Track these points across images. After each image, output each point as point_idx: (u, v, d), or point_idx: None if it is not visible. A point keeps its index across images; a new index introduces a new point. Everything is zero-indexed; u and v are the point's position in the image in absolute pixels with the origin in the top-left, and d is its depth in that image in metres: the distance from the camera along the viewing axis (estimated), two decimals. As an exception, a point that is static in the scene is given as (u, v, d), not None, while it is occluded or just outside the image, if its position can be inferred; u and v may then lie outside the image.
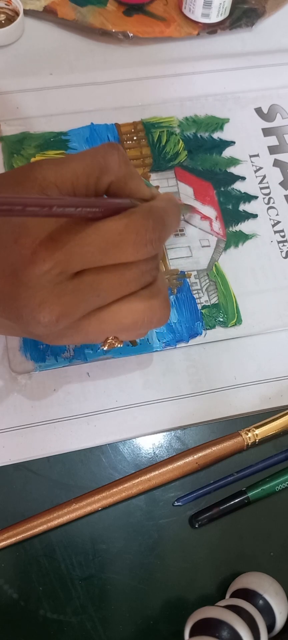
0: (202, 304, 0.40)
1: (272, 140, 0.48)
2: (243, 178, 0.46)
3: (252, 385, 0.38)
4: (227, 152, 0.47)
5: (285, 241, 0.44)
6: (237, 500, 0.35)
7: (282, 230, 0.44)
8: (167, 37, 0.53)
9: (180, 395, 0.37)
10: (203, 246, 0.43)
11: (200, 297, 0.40)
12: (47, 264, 0.26)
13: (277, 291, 0.42)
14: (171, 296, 0.40)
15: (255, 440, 0.36)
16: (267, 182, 0.46)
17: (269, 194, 0.46)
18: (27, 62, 0.50)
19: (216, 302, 0.40)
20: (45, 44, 0.52)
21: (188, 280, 0.41)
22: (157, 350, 0.38)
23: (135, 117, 0.48)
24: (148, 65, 0.51)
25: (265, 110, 0.50)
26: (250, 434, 0.36)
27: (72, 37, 0.52)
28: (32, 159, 0.44)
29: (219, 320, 0.40)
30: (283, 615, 0.30)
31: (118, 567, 0.33)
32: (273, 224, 0.44)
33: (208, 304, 0.40)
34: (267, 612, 0.30)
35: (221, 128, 0.48)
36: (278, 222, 0.44)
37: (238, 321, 0.40)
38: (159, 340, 0.39)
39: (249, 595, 0.31)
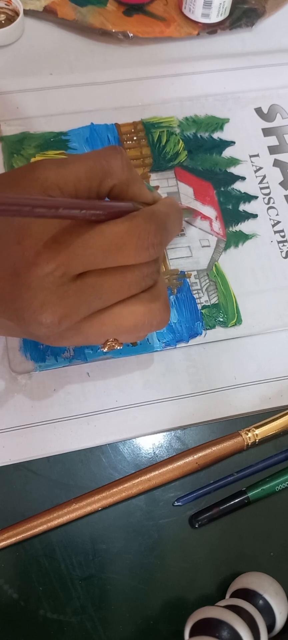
0: (202, 304, 0.40)
1: (272, 140, 0.48)
2: (243, 178, 0.46)
3: (252, 385, 0.38)
4: (227, 152, 0.47)
5: (285, 241, 0.44)
6: (237, 500, 0.35)
7: (282, 230, 0.44)
8: (167, 37, 0.53)
9: (180, 395, 0.37)
10: (203, 246, 0.43)
11: (200, 297, 0.40)
12: (49, 265, 0.26)
13: (277, 291, 0.42)
14: (171, 296, 0.40)
15: (255, 440, 0.36)
16: (267, 182, 0.46)
17: (269, 194, 0.46)
18: (27, 62, 0.50)
19: (216, 302, 0.40)
20: (45, 44, 0.52)
21: (188, 280, 0.41)
22: (157, 351, 0.38)
23: (135, 117, 0.48)
24: (148, 65, 0.51)
25: (265, 110, 0.50)
26: (250, 434, 0.36)
27: (72, 37, 0.52)
28: (32, 159, 0.44)
29: (219, 320, 0.40)
30: (283, 615, 0.30)
31: (118, 567, 0.33)
32: (273, 224, 0.44)
33: (208, 304, 0.40)
34: (267, 612, 0.30)
35: (221, 128, 0.48)
36: (278, 222, 0.44)
37: (238, 321, 0.40)
38: (159, 341, 0.39)
39: (249, 595, 0.31)
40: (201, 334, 0.39)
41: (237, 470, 0.36)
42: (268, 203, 0.45)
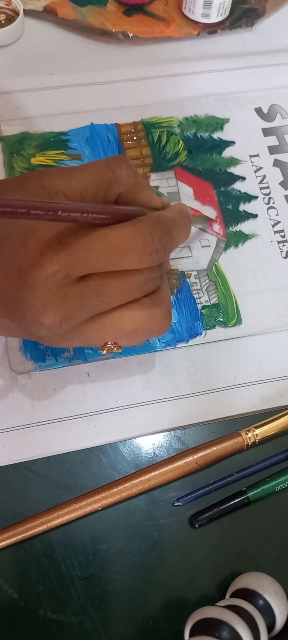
0: (202, 304, 0.40)
1: (272, 140, 0.48)
2: (243, 178, 0.46)
3: (252, 385, 0.38)
4: (227, 152, 0.47)
5: (285, 241, 0.44)
6: (237, 500, 0.35)
7: (282, 230, 0.44)
8: (167, 37, 0.53)
9: (180, 395, 0.37)
10: (203, 246, 0.43)
11: (200, 297, 0.40)
12: (53, 266, 0.26)
13: (277, 291, 0.42)
14: (171, 296, 0.40)
15: (255, 440, 0.36)
16: (267, 182, 0.46)
17: (269, 194, 0.46)
18: (27, 62, 0.50)
19: (216, 302, 0.40)
20: (45, 44, 0.52)
21: (188, 280, 0.41)
22: (157, 350, 0.38)
23: (135, 117, 0.48)
24: (149, 65, 0.51)
25: (265, 110, 0.50)
26: (250, 434, 0.36)
27: (72, 37, 0.52)
28: (32, 159, 0.44)
29: (219, 320, 0.40)
30: (283, 615, 0.30)
31: (118, 567, 0.33)
32: (273, 224, 0.44)
33: (208, 304, 0.40)
34: (267, 612, 0.30)
35: (221, 128, 0.48)
36: (278, 222, 0.44)
37: (238, 321, 0.40)
38: (159, 340, 0.39)
39: (249, 595, 0.31)
40: (201, 334, 0.39)
41: (237, 470, 0.36)
42: (268, 203, 0.45)
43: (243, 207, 0.45)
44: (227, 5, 0.53)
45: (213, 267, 0.42)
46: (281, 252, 0.43)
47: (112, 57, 0.51)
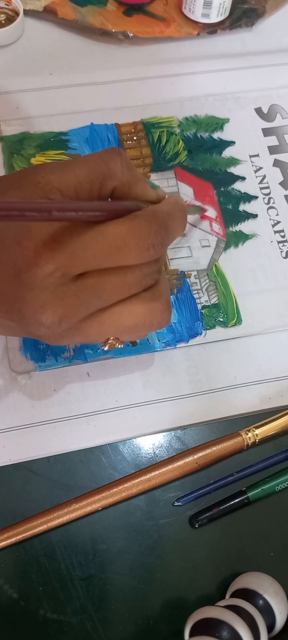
0: (202, 304, 0.40)
1: (272, 140, 0.48)
2: (243, 178, 0.46)
3: (252, 385, 0.38)
4: (227, 152, 0.47)
5: (285, 241, 0.44)
6: (237, 500, 0.35)
7: (282, 230, 0.44)
8: (167, 37, 0.53)
9: (180, 395, 0.37)
10: (203, 246, 0.43)
11: (200, 297, 0.40)
12: (50, 265, 0.26)
13: (277, 291, 0.42)
14: (171, 296, 0.40)
15: (255, 440, 0.36)
16: (267, 182, 0.46)
17: (269, 194, 0.46)
18: (27, 62, 0.50)
19: (216, 302, 0.40)
20: (45, 44, 0.52)
21: (188, 280, 0.41)
22: (157, 350, 0.38)
23: (135, 117, 0.48)
24: (149, 65, 0.51)
25: (265, 110, 0.50)
26: (250, 434, 0.36)
27: (72, 37, 0.52)
28: (32, 159, 0.44)
29: (219, 320, 0.40)
30: (283, 615, 0.30)
31: (118, 567, 0.33)
32: (273, 224, 0.44)
33: (208, 304, 0.40)
34: (267, 612, 0.30)
35: (221, 128, 0.48)
36: (278, 222, 0.44)
37: (238, 321, 0.40)
38: (159, 341, 0.39)
39: (249, 595, 0.31)
40: (201, 334, 0.39)
41: (237, 470, 0.36)
42: (268, 203, 0.45)
43: (243, 207, 0.45)
44: (227, 5, 0.53)
45: (213, 267, 0.42)
46: (281, 252, 0.43)
47: (112, 57, 0.51)
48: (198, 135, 0.48)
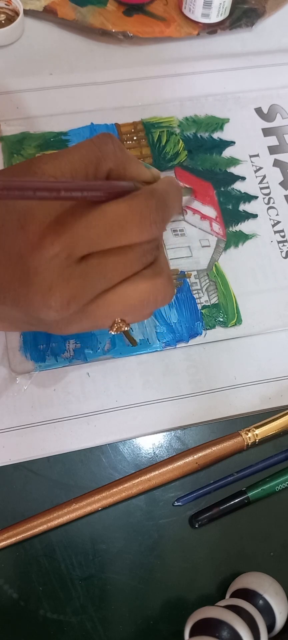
0: (202, 304, 0.40)
1: (272, 140, 0.48)
2: (243, 178, 0.46)
3: (252, 385, 0.38)
4: (227, 152, 0.47)
5: (285, 241, 0.44)
6: (237, 500, 0.35)
7: (282, 230, 0.44)
8: (167, 37, 0.53)
9: (180, 395, 0.37)
10: (203, 246, 0.43)
11: (200, 297, 0.40)
12: (55, 247, 0.27)
13: (277, 291, 0.42)
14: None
15: (255, 440, 0.36)
16: (267, 182, 0.46)
17: (269, 194, 0.46)
18: (27, 62, 0.50)
19: (216, 302, 0.40)
20: (45, 44, 0.52)
21: (188, 280, 0.41)
22: (157, 350, 0.38)
23: (135, 117, 0.48)
24: (149, 65, 0.51)
25: (265, 110, 0.50)
26: (250, 434, 0.36)
27: (72, 37, 0.52)
28: (32, 159, 0.44)
29: (219, 320, 0.40)
30: (283, 615, 0.30)
31: (118, 567, 0.33)
32: (273, 224, 0.44)
33: (208, 304, 0.40)
34: (267, 612, 0.30)
35: (221, 128, 0.48)
36: (278, 222, 0.44)
37: (238, 321, 0.40)
38: (159, 340, 0.39)
39: (249, 595, 0.31)
40: (201, 334, 0.39)
41: (237, 470, 0.36)
42: (268, 203, 0.45)
43: (243, 207, 0.45)
44: (227, 5, 0.53)
45: (213, 267, 0.42)
46: (281, 252, 0.43)
47: (112, 57, 0.51)
48: (198, 135, 0.48)
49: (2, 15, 0.52)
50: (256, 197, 0.45)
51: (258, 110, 0.50)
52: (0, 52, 0.50)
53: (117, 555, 0.34)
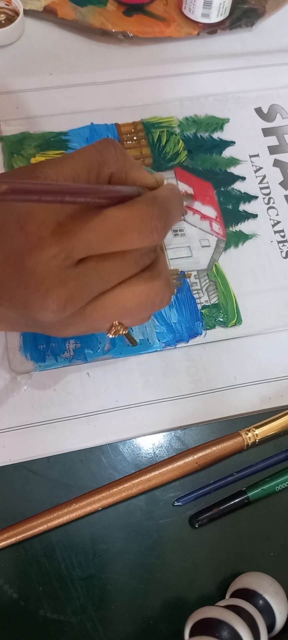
0: (202, 304, 0.40)
1: (272, 140, 0.48)
2: (243, 178, 0.46)
3: (252, 385, 0.38)
4: (227, 152, 0.47)
5: (285, 241, 0.44)
6: (237, 500, 0.35)
7: (282, 230, 0.44)
8: (167, 37, 0.53)
9: (180, 395, 0.37)
10: (203, 246, 0.43)
11: (200, 297, 0.40)
12: (53, 249, 0.27)
13: (277, 291, 0.42)
14: (171, 296, 0.40)
15: (255, 440, 0.36)
16: (267, 182, 0.46)
17: (269, 194, 0.46)
18: (27, 62, 0.50)
19: (216, 302, 0.40)
20: (45, 44, 0.52)
21: (188, 280, 0.41)
22: (157, 350, 0.38)
23: (135, 117, 0.48)
24: (149, 65, 0.51)
25: (265, 110, 0.50)
26: (250, 434, 0.36)
27: (72, 37, 0.52)
28: (32, 159, 0.44)
29: (219, 320, 0.40)
30: (283, 615, 0.30)
31: (118, 567, 0.33)
32: (273, 224, 0.44)
33: (208, 304, 0.40)
34: (267, 612, 0.30)
35: (221, 128, 0.48)
36: (278, 222, 0.44)
37: (238, 321, 0.40)
38: (159, 340, 0.39)
39: (249, 595, 0.31)
40: (201, 334, 0.39)
41: (237, 470, 0.36)
42: (268, 203, 0.45)
43: (243, 207, 0.45)
44: (227, 5, 0.53)
45: (213, 267, 0.42)
46: (281, 252, 0.43)
47: (112, 57, 0.51)
48: (198, 135, 0.48)
49: (2, 15, 0.52)
50: (256, 197, 0.45)
51: (258, 110, 0.50)
52: (0, 52, 0.50)
53: (117, 555, 0.34)
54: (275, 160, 0.47)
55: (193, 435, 0.37)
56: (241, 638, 0.28)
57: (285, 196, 0.46)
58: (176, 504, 0.35)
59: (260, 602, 0.30)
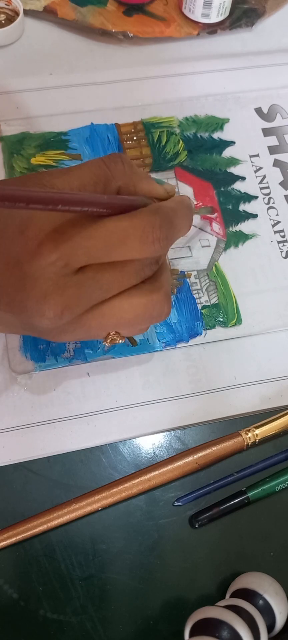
0: (202, 304, 0.40)
1: (272, 140, 0.48)
2: (243, 178, 0.46)
3: (252, 385, 0.38)
4: (227, 152, 0.47)
5: (285, 241, 0.44)
6: (237, 500, 0.35)
7: (282, 230, 0.44)
8: (167, 37, 0.53)
9: (180, 395, 0.37)
10: (203, 246, 0.43)
11: (200, 297, 0.40)
12: (52, 255, 0.27)
13: (277, 291, 0.42)
14: (171, 296, 0.40)
15: (255, 440, 0.36)
16: (267, 182, 0.46)
17: (269, 194, 0.46)
18: (27, 62, 0.50)
19: (216, 302, 0.40)
20: (45, 44, 0.52)
21: (188, 280, 0.41)
22: (157, 350, 0.38)
23: (135, 117, 0.48)
24: (149, 65, 0.51)
25: (265, 110, 0.50)
26: (250, 434, 0.36)
27: (72, 37, 0.52)
28: (32, 159, 0.44)
29: (219, 320, 0.40)
30: (283, 615, 0.30)
31: (118, 567, 0.33)
32: (273, 224, 0.44)
33: (208, 304, 0.40)
34: (267, 612, 0.30)
35: (221, 128, 0.48)
36: (278, 222, 0.44)
37: (238, 321, 0.40)
38: (159, 340, 0.39)
39: (249, 595, 0.31)
40: (201, 334, 0.39)
41: (237, 470, 0.36)
42: (268, 203, 0.45)
43: (243, 207, 0.45)
44: (227, 5, 0.53)
45: (213, 267, 0.42)
46: (281, 252, 0.43)
47: (112, 57, 0.51)
48: (198, 135, 0.48)
49: (2, 15, 0.52)
50: (256, 197, 0.45)
51: (258, 110, 0.50)
52: (0, 52, 0.50)
53: (117, 555, 0.34)
54: (275, 160, 0.47)
55: (193, 435, 0.37)
56: (241, 638, 0.28)
57: (285, 196, 0.46)
58: (176, 504, 0.35)
59: (260, 602, 0.30)
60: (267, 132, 0.49)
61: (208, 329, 0.39)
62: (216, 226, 0.44)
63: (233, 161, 0.47)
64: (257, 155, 0.47)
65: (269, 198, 0.45)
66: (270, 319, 0.40)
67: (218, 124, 0.48)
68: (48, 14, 0.52)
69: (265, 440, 0.36)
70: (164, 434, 0.37)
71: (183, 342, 0.39)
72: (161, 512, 0.35)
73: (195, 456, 0.35)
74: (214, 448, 0.36)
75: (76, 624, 0.32)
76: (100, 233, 0.27)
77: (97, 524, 0.34)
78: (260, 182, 0.46)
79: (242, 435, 0.36)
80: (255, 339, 0.40)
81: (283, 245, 0.43)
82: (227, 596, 0.32)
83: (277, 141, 0.48)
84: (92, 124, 0.47)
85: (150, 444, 0.37)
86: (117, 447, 0.36)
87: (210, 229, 0.43)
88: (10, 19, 0.52)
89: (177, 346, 0.39)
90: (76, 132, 0.46)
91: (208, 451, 0.36)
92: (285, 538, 0.35)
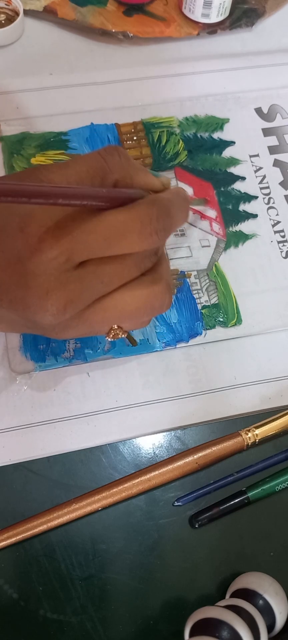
0: (202, 304, 0.40)
1: (272, 140, 0.48)
2: (243, 178, 0.46)
3: (252, 385, 0.38)
4: (227, 152, 0.47)
5: (285, 241, 0.44)
6: (237, 500, 0.35)
7: (282, 230, 0.44)
8: (167, 37, 0.53)
9: (180, 395, 0.37)
10: (203, 246, 0.43)
11: (200, 297, 0.40)
12: (53, 251, 0.27)
13: (277, 291, 0.42)
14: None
15: (255, 440, 0.36)
16: (267, 182, 0.46)
17: (269, 194, 0.46)
18: (27, 62, 0.50)
19: (216, 302, 0.40)
20: (45, 44, 0.52)
21: (188, 280, 0.41)
22: (157, 350, 0.38)
23: (135, 117, 0.48)
24: (149, 65, 0.51)
25: (265, 110, 0.50)
26: (250, 434, 0.36)
27: (72, 37, 0.52)
28: (32, 159, 0.44)
29: (219, 320, 0.40)
30: (283, 615, 0.30)
31: (118, 567, 0.33)
32: (273, 224, 0.44)
33: (208, 304, 0.40)
34: (267, 612, 0.30)
35: (221, 128, 0.48)
36: (278, 222, 0.44)
37: (238, 321, 0.40)
38: (159, 340, 0.39)
39: (249, 595, 0.31)
40: (201, 334, 0.39)
41: (237, 470, 0.36)
42: (268, 203, 0.45)
43: (243, 207, 0.45)
44: (227, 5, 0.53)
45: (213, 267, 0.42)
46: (281, 252, 0.43)
47: (112, 57, 0.51)
48: (198, 135, 0.48)
49: (2, 15, 0.52)
50: (256, 197, 0.45)
51: (258, 110, 0.50)
52: (0, 52, 0.50)
53: (117, 555, 0.34)
54: (275, 160, 0.47)
55: (193, 435, 0.37)
56: (241, 638, 0.28)
57: (285, 196, 0.46)
58: (176, 504, 0.35)
59: (260, 602, 0.30)
60: (267, 132, 0.49)
61: (208, 329, 0.39)
62: (216, 226, 0.44)
63: (233, 161, 0.47)
64: (257, 155, 0.47)
65: (269, 198, 0.45)
66: (270, 319, 0.40)
67: (218, 124, 0.48)
68: (48, 14, 0.52)
69: (265, 440, 0.36)
70: (164, 434, 0.37)
71: (183, 342, 0.39)
72: (161, 512, 0.35)
73: (195, 456, 0.35)
74: (214, 448, 0.36)
75: (76, 624, 0.32)
76: (100, 227, 0.27)
77: (97, 524, 0.34)
78: (260, 182, 0.46)
79: (242, 435, 0.36)
80: (255, 339, 0.40)
81: (283, 245, 0.43)
82: (227, 596, 0.32)
83: (277, 141, 0.48)
84: (92, 124, 0.47)
85: (150, 444, 0.37)
86: (117, 447, 0.36)
87: (210, 229, 0.43)
88: (10, 19, 0.52)
89: (177, 346, 0.39)
90: (76, 132, 0.46)
91: (208, 451, 0.36)
92: (285, 538, 0.35)
